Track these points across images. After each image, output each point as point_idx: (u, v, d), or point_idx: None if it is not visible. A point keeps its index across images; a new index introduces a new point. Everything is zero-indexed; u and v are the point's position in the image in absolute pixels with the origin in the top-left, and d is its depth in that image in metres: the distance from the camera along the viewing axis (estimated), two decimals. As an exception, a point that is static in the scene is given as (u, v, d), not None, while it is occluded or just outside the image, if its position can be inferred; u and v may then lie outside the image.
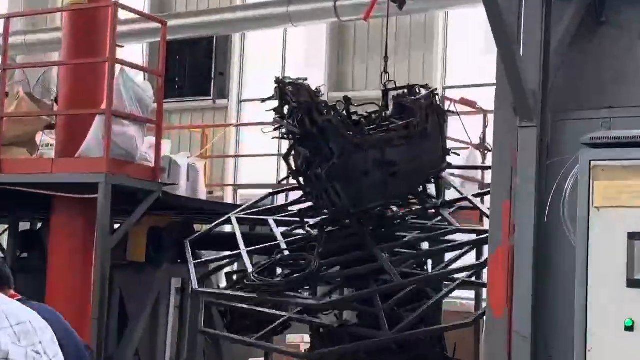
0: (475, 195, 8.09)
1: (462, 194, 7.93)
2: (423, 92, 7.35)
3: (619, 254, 4.08)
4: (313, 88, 7.16)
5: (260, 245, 7.46)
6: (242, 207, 8.15)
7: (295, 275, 6.70)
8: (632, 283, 4.04)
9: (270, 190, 9.03)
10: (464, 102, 9.95)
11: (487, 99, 9.21)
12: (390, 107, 7.29)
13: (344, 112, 7.23)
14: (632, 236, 4.06)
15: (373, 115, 7.19)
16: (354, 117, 7.17)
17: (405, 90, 7.34)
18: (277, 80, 6.86)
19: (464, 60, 14.03)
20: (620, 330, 4.06)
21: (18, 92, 8.41)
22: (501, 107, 5.31)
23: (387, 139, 6.73)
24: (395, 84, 7.70)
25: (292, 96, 6.77)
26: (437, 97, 7.18)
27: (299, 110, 6.71)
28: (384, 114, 7.20)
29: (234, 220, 7.58)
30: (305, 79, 7.01)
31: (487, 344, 5.26)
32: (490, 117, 8.53)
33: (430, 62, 13.80)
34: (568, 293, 4.55)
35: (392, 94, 7.46)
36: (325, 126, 6.67)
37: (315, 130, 6.69)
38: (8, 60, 8.36)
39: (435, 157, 7.17)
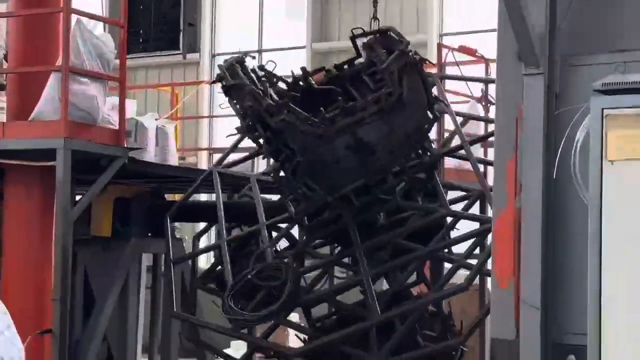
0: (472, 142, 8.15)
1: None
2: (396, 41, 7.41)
3: (636, 210, 4.14)
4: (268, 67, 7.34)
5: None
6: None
7: (265, 311, 6.97)
8: (649, 241, 4.11)
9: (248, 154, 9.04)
10: (463, 50, 9.97)
11: (489, 46, 9.23)
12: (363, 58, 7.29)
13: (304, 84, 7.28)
14: (650, 191, 4.12)
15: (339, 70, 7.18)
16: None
17: (378, 36, 7.30)
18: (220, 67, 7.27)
19: (463, 3, 14.04)
20: (638, 294, 4.13)
21: (-38, 49, 8.39)
22: (504, 54, 5.35)
23: (356, 121, 6.72)
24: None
25: (236, 99, 6.91)
26: (411, 52, 7.05)
27: (248, 117, 6.83)
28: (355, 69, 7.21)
29: (216, 177, 7.62)
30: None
31: (493, 315, 5.33)
32: (493, 66, 8.57)
33: (425, 7, 13.79)
34: (581, 256, 4.62)
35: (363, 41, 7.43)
36: (280, 127, 6.72)
37: (270, 134, 6.78)
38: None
39: (419, 118, 7.16)
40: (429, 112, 7.24)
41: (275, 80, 7.35)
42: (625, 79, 4.38)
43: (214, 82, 7.72)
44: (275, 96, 7.05)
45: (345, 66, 7.63)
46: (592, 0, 5.32)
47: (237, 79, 7.09)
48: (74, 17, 7.34)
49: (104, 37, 7.63)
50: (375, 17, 9.79)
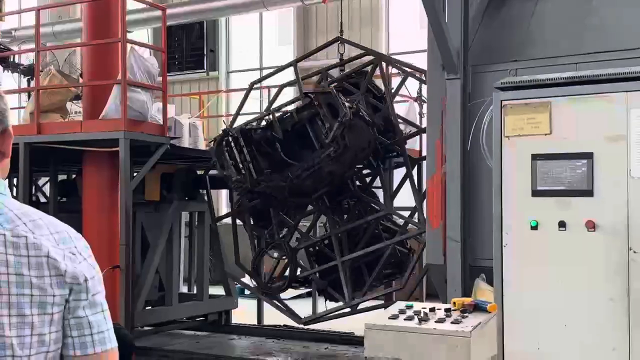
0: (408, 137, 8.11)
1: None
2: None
3: (525, 172, 4.19)
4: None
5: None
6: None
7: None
8: (535, 193, 4.16)
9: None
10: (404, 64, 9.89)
11: (422, 62, 9.21)
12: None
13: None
14: (535, 157, 4.16)
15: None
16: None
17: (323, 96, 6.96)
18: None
19: (404, 33, 14.00)
20: (527, 229, 4.18)
21: (50, 70, 8.26)
22: (432, 65, 5.37)
23: (315, 168, 6.64)
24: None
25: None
26: (352, 108, 6.71)
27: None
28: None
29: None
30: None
31: (427, 249, 5.38)
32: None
33: (377, 36, 13.74)
34: (487, 204, 4.67)
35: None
36: (262, 189, 6.87)
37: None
38: (40, 44, 8.18)
39: (365, 144, 6.95)
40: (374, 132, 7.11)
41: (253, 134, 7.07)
42: (516, 79, 4.42)
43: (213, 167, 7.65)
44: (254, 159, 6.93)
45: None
46: (492, 27, 5.34)
47: (224, 164, 6.99)
48: (128, 45, 7.28)
49: (151, 60, 7.55)
50: (341, 43, 9.75)
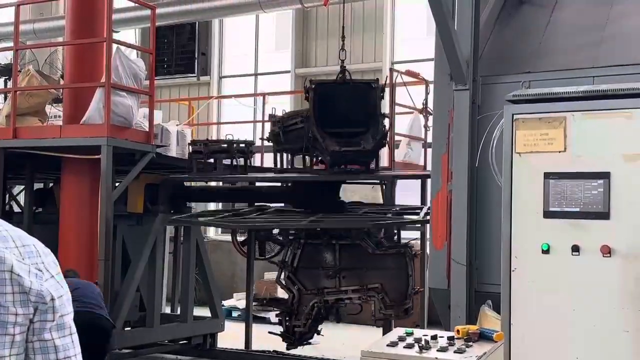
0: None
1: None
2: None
3: (537, 191, 4.19)
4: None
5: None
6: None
7: None
8: (547, 214, 4.16)
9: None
10: (409, 73, 9.96)
11: (428, 71, 9.25)
12: None
13: None
14: (547, 176, 4.16)
15: None
16: None
17: None
18: None
19: (409, 39, 14.05)
20: (538, 253, 4.18)
21: (29, 70, 8.27)
22: (440, 75, 5.38)
23: None
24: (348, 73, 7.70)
25: None
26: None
27: None
28: None
29: None
30: None
31: (431, 271, 5.37)
32: (432, 87, 8.59)
33: (381, 42, 13.78)
34: (495, 225, 4.67)
35: None
36: None
37: None
38: (19, 42, 8.18)
39: None
40: None
41: None
42: (529, 92, 4.43)
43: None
44: None
45: None
46: (504, 35, 5.37)
47: None
48: (114, 46, 7.29)
49: (138, 62, 7.55)
50: (343, 49, 9.79)
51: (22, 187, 10.12)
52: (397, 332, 3.51)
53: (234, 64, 15.84)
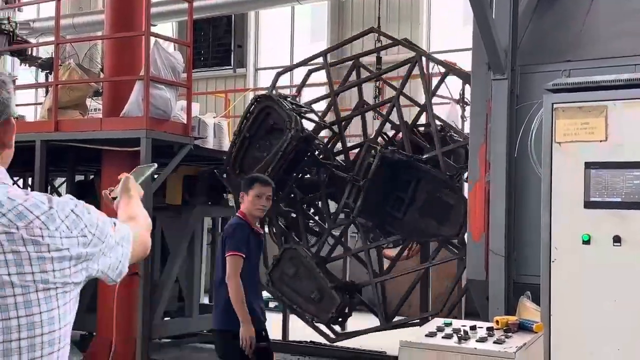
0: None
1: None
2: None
3: (577, 181, 4.14)
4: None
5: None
6: None
7: None
8: (588, 204, 4.11)
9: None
10: (446, 63, 9.85)
11: (465, 61, 9.16)
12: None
13: None
14: (588, 165, 4.11)
15: None
16: None
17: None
18: None
19: (446, 30, 13.94)
20: (579, 244, 4.13)
21: (69, 64, 8.40)
22: (477, 64, 5.34)
23: None
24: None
25: None
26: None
27: None
28: None
29: None
30: None
31: (468, 261, 5.34)
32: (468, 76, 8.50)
33: (417, 32, 13.70)
34: (535, 216, 4.63)
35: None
36: None
37: None
38: (60, 37, 8.32)
39: None
40: None
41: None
42: (569, 80, 4.38)
43: None
44: None
45: None
46: (544, 23, 5.30)
47: None
48: (152, 39, 7.36)
49: (176, 54, 7.61)
50: (379, 40, 9.76)
51: (64, 179, 10.33)
52: (436, 322, 3.50)
53: (270, 56, 15.90)
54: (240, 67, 15.81)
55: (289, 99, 7.34)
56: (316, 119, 7.62)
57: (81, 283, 1.59)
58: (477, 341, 3.22)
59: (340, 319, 7.11)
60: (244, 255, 4.84)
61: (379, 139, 7.90)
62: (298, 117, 6.87)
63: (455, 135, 7.63)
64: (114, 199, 2.19)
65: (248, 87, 15.26)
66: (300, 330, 8.69)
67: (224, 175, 7.64)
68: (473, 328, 3.36)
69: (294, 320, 8.29)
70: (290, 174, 7.15)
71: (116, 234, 1.70)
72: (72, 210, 1.58)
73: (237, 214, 5.16)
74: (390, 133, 8.10)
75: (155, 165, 2.70)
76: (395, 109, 7.36)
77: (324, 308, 6.80)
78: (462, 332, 3.28)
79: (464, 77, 7.27)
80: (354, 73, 8.03)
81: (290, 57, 15.49)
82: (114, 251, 1.68)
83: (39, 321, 1.47)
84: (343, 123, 7.84)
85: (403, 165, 6.59)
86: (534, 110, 4.84)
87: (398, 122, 7.47)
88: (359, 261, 7.75)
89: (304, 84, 8.29)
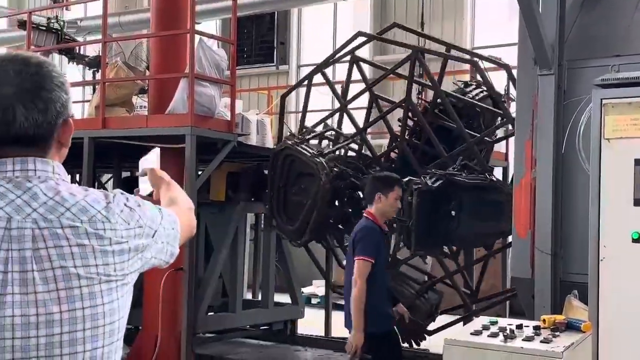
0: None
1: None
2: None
3: (627, 178, 4.06)
4: None
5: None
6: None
7: None
8: (638, 202, 4.03)
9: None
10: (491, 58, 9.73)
11: (510, 57, 9.04)
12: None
13: None
14: (638, 162, 4.03)
15: None
16: None
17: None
18: None
19: (490, 25, 13.79)
20: (628, 242, 4.06)
21: (116, 62, 8.53)
22: (523, 59, 5.27)
23: None
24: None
25: None
26: None
27: None
28: None
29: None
30: None
31: (513, 258, 5.28)
32: (514, 72, 8.39)
33: (461, 27, 13.59)
34: (583, 213, 4.55)
35: None
36: None
37: None
38: (107, 35, 8.45)
39: None
40: None
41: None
42: (618, 75, 4.29)
43: None
44: None
45: None
46: (591, 17, 5.20)
47: None
48: (197, 37, 7.43)
49: (220, 52, 7.67)
50: (422, 35, 9.69)
51: (110, 175, 10.50)
52: (481, 320, 3.48)
53: (312, 53, 15.92)
54: (283, 64, 15.88)
55: (304, 138, 7.33)
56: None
57: (137, 272, 1.65)
58: (523, 340, 3.19)
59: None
60: (372, 261, 4.90)
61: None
62: (323, 161, 6.89)
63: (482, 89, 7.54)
64: (150, 195, 2.24)
65: (290, 83, 15.33)
66: (343, 327, 8.70)
67: (274, 225, 7.81)
68: (519, 327, 3.33)
69: (337, 317, 8.30)
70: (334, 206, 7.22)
71: (164, 220, 1.75)
72: (125, 204, 1.63)
73: (365, 215, 5.18)
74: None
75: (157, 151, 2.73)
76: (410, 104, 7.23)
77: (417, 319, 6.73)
78: (508, 331, 3.25)
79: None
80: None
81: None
82: (164, 236, 1.74)
83: (102, 312, 1.52)
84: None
85: (441, 188, 6.53)
86: (582, 105, 4.75)
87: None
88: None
89: (349, 82, 8.21)
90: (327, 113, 8.86)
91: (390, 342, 4.98)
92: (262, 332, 9.27)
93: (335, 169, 6.94)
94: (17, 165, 1.54)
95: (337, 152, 7.53)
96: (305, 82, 8.42)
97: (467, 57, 8.07)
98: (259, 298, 9.51)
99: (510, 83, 8.02)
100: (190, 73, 7.17)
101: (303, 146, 7.21)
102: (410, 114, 7.25)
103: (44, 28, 9.47)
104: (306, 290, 12.52)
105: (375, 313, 4.98)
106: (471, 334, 3.28)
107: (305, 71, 16.00)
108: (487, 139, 7.36)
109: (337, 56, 8.31)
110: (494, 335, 3.24)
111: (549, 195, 4.92)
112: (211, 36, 8.15)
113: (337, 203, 7.22)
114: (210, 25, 14.84)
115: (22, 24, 9.68)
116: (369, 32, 14.67)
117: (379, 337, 4.96)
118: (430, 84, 7.40)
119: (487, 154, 7.48)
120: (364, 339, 5.03)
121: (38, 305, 1.44)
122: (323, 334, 9.53)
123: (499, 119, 7.51)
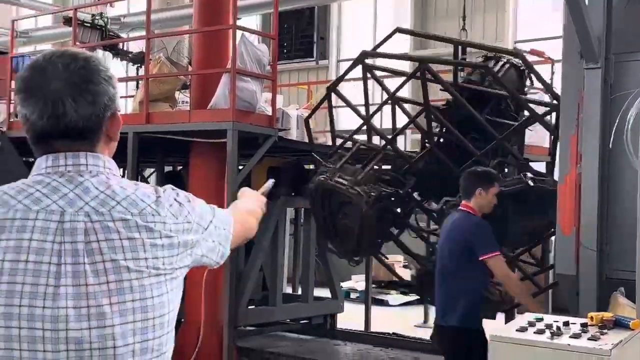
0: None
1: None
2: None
3: (677, 174, 3.97)
4: None
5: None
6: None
7: None
8: (688, 198, 3.94)
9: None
10: (533, 52, 9.63)
11: (553, 50, 8.92)
12: None
13: None
14: (688, 157, 3.94)
15: None
16: None
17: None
18: None
19: (533, 17, 13.59)
20: (677, 239, 3.96)
21: (159, 58, 8.62)
22: (568, 52, 5.18)
23: None
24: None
25: None
26: None
27: None
28: None
29: None
30: None
31: (558, 255, 5.21)
32: (557, 66, 8.28)
33: (503, 20, 13.43)
34: (630, 209, 4.46)
35: None
36: None
37: None
38: (150, 31, 8.55)
39: None
40: None
41: None
42: (669, 69, 4.20)
43: None
44: None
45: None
46: (639, 9, 5.10)
47: None
48: (239, 32, 7.46)
49: (261, 47, 7.69)
50: (464, 29, 9.62)
51: (153, 170, 10.63)
52: (527, 317, 3.44)
53: (352, 48, 15.88)
54: (323, 58, 15.88)
55: (335, 169, 7.25)
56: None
57: (187, 267, 1.66)
58: (570, 337, 3.15)
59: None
60: (500, 253, 5.01)
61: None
62: (359, 191, 6.83)
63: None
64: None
65: (330, 78, 15.32)
66: (382, 322, 8.69)
67: (330, 247, 7.87)
68: (566, 324, 3.29)
69: (376, 312, 8.31)
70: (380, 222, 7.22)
71: (215, 219, 1.76)
72: (175, 199, 1.64)
73: (464, 209, 5.21)
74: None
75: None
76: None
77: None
78: (554, 328, 3.21)
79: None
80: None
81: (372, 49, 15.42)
82: (215, 235, 1.74)
83: (151, 305, 1.54)
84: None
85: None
86: (630, 99, 4.66)
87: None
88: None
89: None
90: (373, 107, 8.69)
91: (481, 339, 4.93)
92: (301, 326, 9.29)
93: (372, 192, 6.89)
94: (69, 160, 1.57)
95: (371, 168, 7.36)
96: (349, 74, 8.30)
97: (479, 61, 7.78)
98: (299, 292, 9.53)
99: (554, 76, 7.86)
100: (232, 68, 7.21)
101: (337, 178, 7.12)
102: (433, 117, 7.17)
103: (89, 25, 9.63)
104: (345, 284, 12.52)
105: (473, 307, 4.98)
106: (517, 330, 3.25)
107: (345, 66, 15.98)
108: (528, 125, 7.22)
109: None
110: (540, 332, 3.21)
111: (594, 190, 4.84)
112: (253, 31, 8.21)
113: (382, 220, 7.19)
114: (251, 21, 14.91)
115: (67, 21, 9.84)
116: (409, 28, 14.62)
117: (473, 332, 4.95)
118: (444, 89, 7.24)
119: (520, 138, 7.35)
120: (459, 333, 5.00)
121: (89, 298, 1.47)
122: (362, 329, 9.53)
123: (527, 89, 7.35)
